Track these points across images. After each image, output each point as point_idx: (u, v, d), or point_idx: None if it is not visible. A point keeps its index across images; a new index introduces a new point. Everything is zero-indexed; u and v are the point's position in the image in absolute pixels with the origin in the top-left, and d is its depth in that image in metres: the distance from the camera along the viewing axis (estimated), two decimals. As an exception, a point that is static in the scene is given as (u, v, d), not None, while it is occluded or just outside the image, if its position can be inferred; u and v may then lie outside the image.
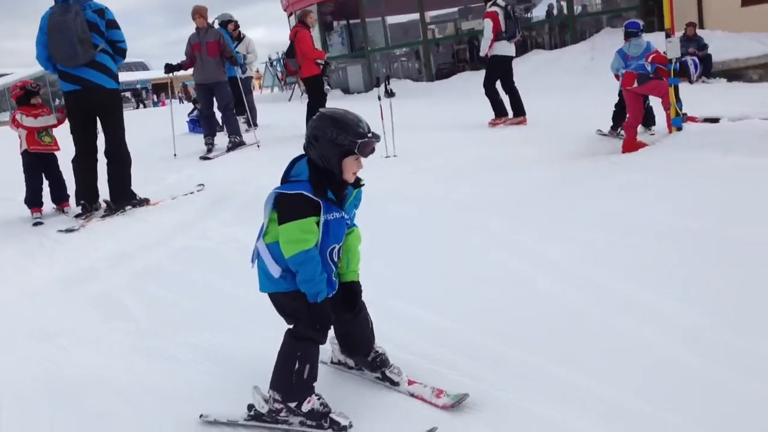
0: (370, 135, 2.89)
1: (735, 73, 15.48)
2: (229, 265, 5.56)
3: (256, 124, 12.15)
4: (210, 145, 11.06)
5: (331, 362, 3.56)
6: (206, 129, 11.25)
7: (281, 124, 13.82)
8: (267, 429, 3.05)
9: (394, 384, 3.26)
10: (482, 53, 11.64)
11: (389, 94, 10.85)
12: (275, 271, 2.95)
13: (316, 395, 3.00)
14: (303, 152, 2.99)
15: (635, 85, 8.30)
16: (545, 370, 3.31)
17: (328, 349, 3.47)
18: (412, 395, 3.19)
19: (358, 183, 3.04)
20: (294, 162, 3.00)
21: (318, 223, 2.87)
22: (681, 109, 8.33)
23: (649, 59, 8.24)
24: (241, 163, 10.19)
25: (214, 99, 11.18)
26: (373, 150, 2.91)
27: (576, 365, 3.33)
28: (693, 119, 8.81)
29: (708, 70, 14.98)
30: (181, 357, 3.93)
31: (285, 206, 2.88)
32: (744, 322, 3.60)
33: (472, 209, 6.47)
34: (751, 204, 5.65)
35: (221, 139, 11.57)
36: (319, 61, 11.36)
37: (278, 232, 2.89)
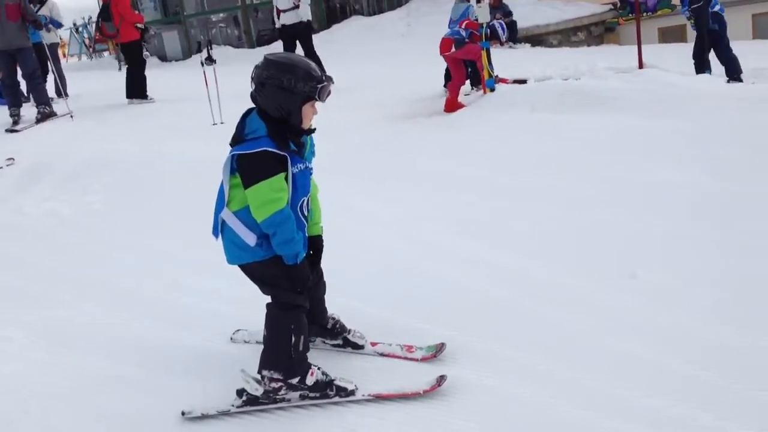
0: (325, 78, 2.73)
1: (537, 39, 16.69)
2: (52, 240, 5.29)
3: (66, 94, 11.35)
4: (15, 117, 10.18)
5: None
6: (10, 100, 10.34)
7: (95, 93, 13.01)
8: (258, 411, 2.85)
9: (358, 347, 3.17)
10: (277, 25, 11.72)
11: (211, 60, 10.58)
12: (251, 239, 2.74)
13: (315, 365, 2.86)
14: (252, 105, 2.80)
15: (453, 50, 8.77)
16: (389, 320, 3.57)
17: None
18: (381, 355, 3.11)
19: (309, 129, 2.85)
20: (244, 118, 2.78)
21: (287, 179, 2.70)
22: (493, 72, 8.93)
23: (463, 26, 8.71)
24: (54, 135, 9.51)
25: (18, 67, 10.27)
26: (329, 93, 2.74)
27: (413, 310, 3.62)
28: (504, 80, 9.49)
29: (514, 35, 16.02)
30: (14, 336, 3.73)
31: (249, 167, 2.66)
32: (569, 263, 4.08)
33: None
34: (557, 154, 6.31)
35: (29, 110, 10.69)
36: (138, 25, 10.82)
37: (244, 198, 2.70)
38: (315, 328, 3.14)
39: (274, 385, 2.79)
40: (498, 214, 5.07)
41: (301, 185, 2.79)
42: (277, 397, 2.81)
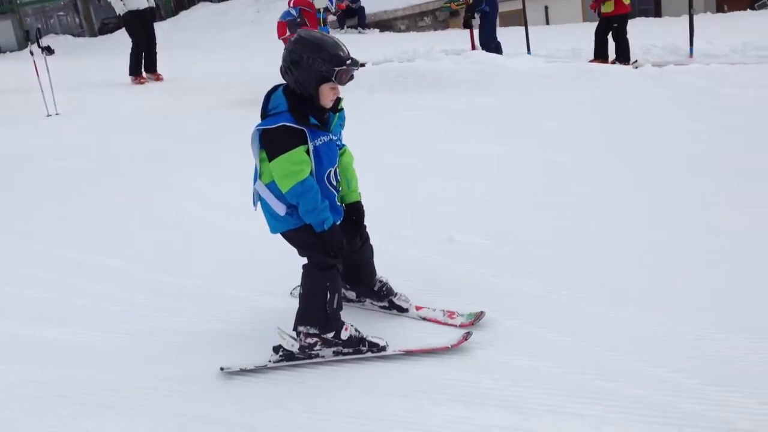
0: (348, 62, 2.73)
1: (386, 24, 17.15)
2: None
3: None
4: None
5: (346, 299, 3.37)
6: None
7: None
8: (292, 366, 2.91)
9: (403, 311, 3.24)
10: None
11: (47, 50, 10.10)
12: (280, 209, 2.84)
13: (348, 322, 2.96)
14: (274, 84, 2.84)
15: (288, 33, 8.89)
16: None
17: None
18: (424, 319, 3.17)
19: (337, 107, 2.89)
20: (269, 95, 2.83)
21: (308, 152, 2.76)
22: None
23: (291, 3, 8.77)
24: None
25: None
26: (351, 77, 2.76)
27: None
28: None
29: (362, 21, 16.40)
30: None
31: (270, 142, 2.75)
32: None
33: (136, 161, 6.54)
34: (392, 132, 6.64)
35: None
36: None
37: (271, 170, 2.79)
38: (363, 289, 3.27)
39: (310, 340, 2.89)
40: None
41: (326, 157, 2.84)
42: (312, 352, 2.91)
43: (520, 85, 7.63)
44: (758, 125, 5.72)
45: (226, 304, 3.53)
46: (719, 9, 17.81)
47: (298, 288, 3.14)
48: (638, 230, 3.91)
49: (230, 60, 13.35)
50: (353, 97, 7.96)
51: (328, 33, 8.65)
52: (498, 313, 3.10)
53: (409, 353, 2.89)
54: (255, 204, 3.00)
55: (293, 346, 2.90)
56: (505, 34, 12.55)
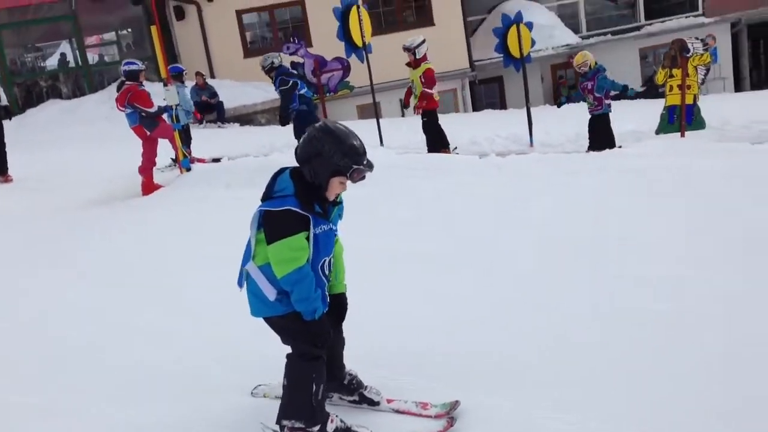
0: (365, 163, 2.74)
1: (246, 118, 17.22)
2: None
3: None
4: None
5: None
6: None
7: None
8: None
9: (374, 404, 3.14)
10: None
11: None
12: (271, 293, 2.79)
13: (333, 413, 2.90)
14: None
15: (148, 133, 8.74)
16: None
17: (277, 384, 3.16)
18: (397, 411, 3.10)
19: (336, 199, 2.86)
20: (275, 177, 2.80)
21: (308, 239, 2.73)
22: (189, 152, 9.05)
23: (123, 104, 8.60)
24: None
25: None
26: (363, 178, 2.76)
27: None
28: (201, 160, 9.65)
29: (221, 115, 16.40)
30: None
31: (273, 224, 2.71)
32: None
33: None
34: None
35: None
36: None
37: (267, 253, 2.73)
38: (332, 384, 3.12)
39: None
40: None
41: (324, 246, 2.83)
42: None
43: (374, 176, 7.81)
44: (591, 208, 6.17)
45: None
46: (556, 101, 19.44)
47: (262, 386, 3.20)
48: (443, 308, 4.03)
49: (83, 157, 12.84)
50: (208, 194, 7.96)
51: (182, 129, 8.74)
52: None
53: None
54: (241, 284, 2.93)
55: None
56: (361, 126, 12.98)
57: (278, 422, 2.87)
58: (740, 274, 4.30)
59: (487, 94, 20.22)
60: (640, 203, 6.12)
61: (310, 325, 2.79)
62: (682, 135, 9.42)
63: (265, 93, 17.77)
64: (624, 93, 9.79)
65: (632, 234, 5.28)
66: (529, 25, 10.53)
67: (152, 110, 8.63)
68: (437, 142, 9.92)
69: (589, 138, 9.84)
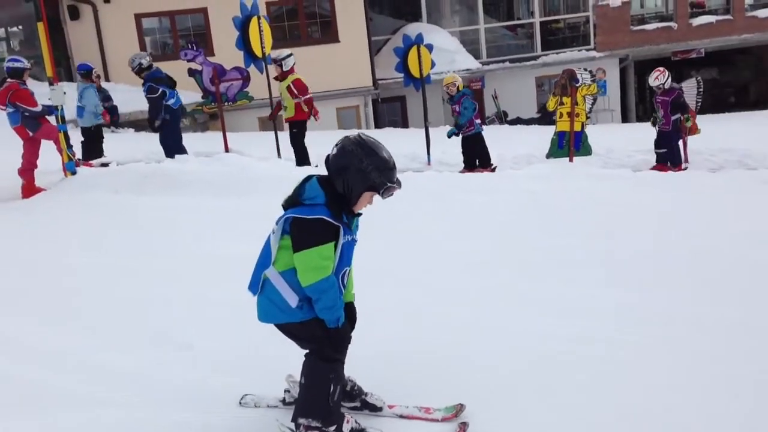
0: (396, 181, 2.77)
1: (141, 124, 16.61)
2: None
3: None
4: None
5: (285, 403, 3.22)
6: None
7: None
8: None
9: (376, 410, 3.14)
10: None
11: None
12: (292, 300, 2.77)
13: (349, 414, 2.95)
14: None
15: (31, 134, 8.29)
16: None
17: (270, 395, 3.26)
18: (401, 417, 3.11)
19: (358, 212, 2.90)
20: (303, 183, 2.78)
21: (335, 248, 2.74)
22: (74, 155, 8.63)
23: (7, 101, 8.15)
24: None
25: None
26: (391, 195, 2.79)
27: None
28: (89, 164, 9.23)
29: (116, 119, 15.77)
30: None
31: (304, 232, 2.70)
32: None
33: None
34: (134, 236, 6.31)
35: None
36: None
37: (291, 259, 2.72)
38: None
39: None
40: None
41: (347, 256, 2.84)
42: None
43: (269, 187, 7.71)
44: (483, 224, 6.33)
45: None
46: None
47: (249, 396, 3.21)
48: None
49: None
50: (94, 198, 7.61)
51: (66, 132, 8.31)
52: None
53: None
54: (255, 290, 2.87)
55: None
56: (260, 138, 12.84)
57: (294, 420, 2.88)
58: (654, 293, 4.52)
59: (390, 112, 20.46)
60: (532, 221, 6.35)
61: (333, 333, 2.82)
62: (571, 160, 9.84)
63: (163, 100, 17.26)
64: (457, 128, 10.20)
65: (524, 252, 5.45)
66: (429, 47, 10.75)
67: (36, 110, 8.19)
68: (305, 156, 9.94)
69: (464, 157, 10.19)
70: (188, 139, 14.63)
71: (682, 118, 9.89)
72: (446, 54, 19.44)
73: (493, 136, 14.69)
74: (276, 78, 9.84)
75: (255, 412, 3.22)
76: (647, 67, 23.76)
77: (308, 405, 2.85)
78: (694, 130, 10.20)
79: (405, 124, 20.04)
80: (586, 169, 9.25)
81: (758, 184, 7.46)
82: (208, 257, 5.60)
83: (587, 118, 10.76)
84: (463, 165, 10.29)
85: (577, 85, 9.65)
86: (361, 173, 2.71)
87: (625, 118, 21.58)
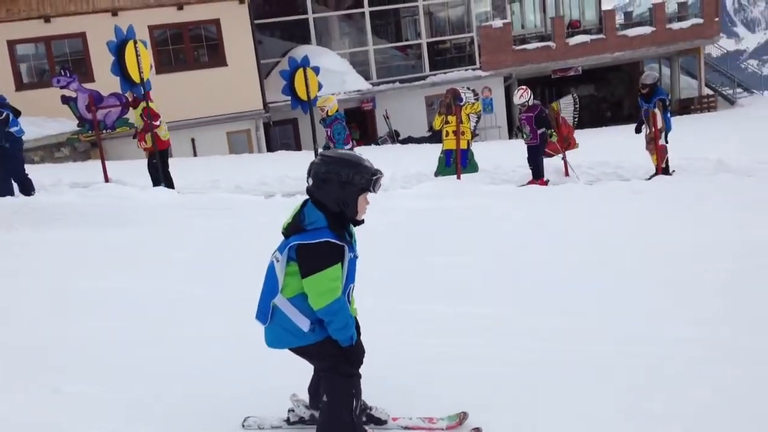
0: (376, 170, 2.80)
1: (17, 155, 15.74)
2: None
3: None
4: None
5: (289, 422, 3.23)
6: None
7: None
8: None
9: (381, 423, 3.17)
10: None
11: None
12: (304, 324, 2.80)
13: (369, 428, 3.00)
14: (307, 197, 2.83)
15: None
16: None
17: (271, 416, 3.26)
18: (405, 429, 3.14)
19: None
20: (302, 209, 2.80)
21: (342, 267, 2.77)
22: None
23: None
24: None
25: None
26: (380, 185, 2.81)
27: None
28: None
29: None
30: None
31: (310, 257, 2.72)
32: None
33: None
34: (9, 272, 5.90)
35: None
36: None
37: (299, 285, 2.76)
38: None
39: None
40: None
41: (351, 273, 2.87)
42: None
43: (151, 216, 7.44)
44: (370, 245, 6.29)
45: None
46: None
47: (252, 418, 3.20)
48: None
49: None
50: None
51: None
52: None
53: None
54: (265, 320, 2.87)
55: None
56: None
57: None
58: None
59: (282, 135, 20.32)
60: (420, 239, 6.39)
61: (347, 351, 2.85)
62: (458, 177, 10.04)
63: (41, 129, 16.43)
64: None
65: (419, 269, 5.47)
66: (316, 69, 10.73)
67: None
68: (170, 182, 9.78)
69: None
70: (67, 169, 14.03)
71: (546, 132, 10.21)
72: (336, 75, 19.56)
73: (385, 156, 14.91)
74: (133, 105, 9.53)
75: None
76: (532, 84, 24.91)
77: (334, 422, 2.89)
78: (572, 144, 10.65)
79: (298, 147, 19.94)
80: (473, 186, 9.47)
81: (629, 194, 7.85)
82: (83, 293, 5.28)
83: (474, 135, 11.03)
84: None
85: (461, 103, 9.88)
86: (345, 184, 2.76)
87: (511, 135, 22.35)
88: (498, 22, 22.54)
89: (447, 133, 10.17)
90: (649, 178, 9.64)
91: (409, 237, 6.62)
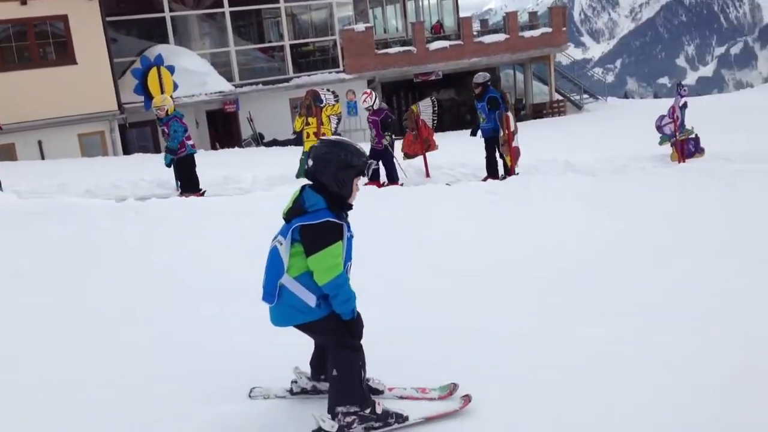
0: (369, 158, 3.09)
1: None
2: None
3: None
4: None
5: (292, 393, 3.43)
6: None
7: None
8: None
9: (378, 393, 3.30)
10: None
11: None
12: (311, 300, 2.99)
13: (375, 398, 3.15)
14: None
15: None
16: None
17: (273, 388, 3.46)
18: (400, 398, 3.31)
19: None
20: (301, 194, 3.02)
21: (342, 245, 2.97)
22: None
23: None
24: None
25: None
26: (369, 171, 3.07)
27: None
28: None
29: None
30: None
31: (314, 236, 2.93)
32: None
33: None
34: None
35: None
36: None
37: (304, 264, 2.96)
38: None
39: (348, 419, 3.01)
40: None
41: (349, 251, 3.07)
42: (350, 430, 3.02)
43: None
44: (228, 250, 6.15)
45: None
46: (213, 147, 19.53)
47: (258, 388, 3.41)
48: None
49: None
50: None
51: None
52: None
53: (429, 419, 3.13)
54: (273, 300, 3.04)
55: (333, 428, 3.01)
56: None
57: (331, 411, 3.04)
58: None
59: (140, 137, 19.42)
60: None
61: (350, 323, 3.02)
62: (320, 179, 9.99)
63: None
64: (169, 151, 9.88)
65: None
66: (171, 69, 10.37)
67: None
68: None
69: (180, 179, 9.94)
70: None
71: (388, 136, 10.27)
72: (197, 76, 19.01)
73: (249, 158, 14.68)
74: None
75: (266, 403, 3.37)
76: (395, 88, 25.41)
77: (344, 393, 3.04)
78: (432, 146, 10.93)
79: (157, 150, 19.16)
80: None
81: (485, 194, 8.16)
82: None
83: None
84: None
85: (321, 105, 9.87)
86: (345, 164, 2.99)
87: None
88: (360, 26, 22.80)
89: (308, 135, 10.11)
90: (503, 178, 10.06)
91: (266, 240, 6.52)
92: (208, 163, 12.73)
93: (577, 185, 9.17)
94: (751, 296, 4.69)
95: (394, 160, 10.43)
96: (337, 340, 3.07)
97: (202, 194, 9.64)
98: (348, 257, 3.09)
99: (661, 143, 11.58)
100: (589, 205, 7.77)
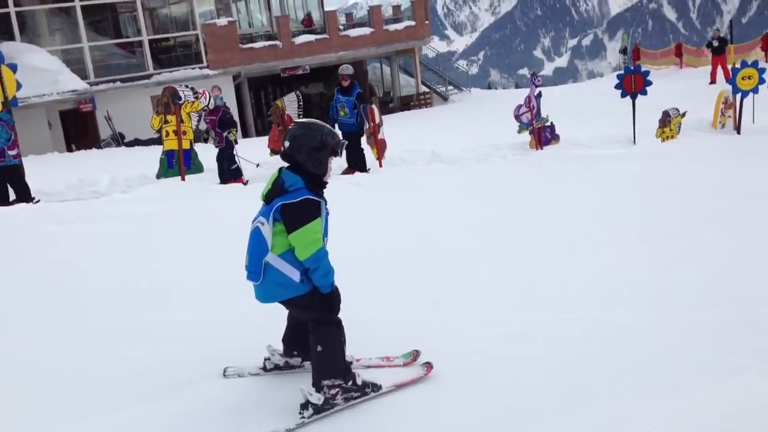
0: (341, 138, 3.33)
1: None
2: None
3: None
4: None
5: (266, 370, 3.59)
6: None
7: None
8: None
9: (348, 364, 3.36)
10: None
11: None
12: (296, 276, 3.13)
13: (355, 371, 3.32)
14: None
15: None
16: None
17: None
18: (368, 367, 3.51)
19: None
20: (280, 175, 3.18)
21: (321, 221, 3.15)
22: None
23: None
24: None
25: None
26: (342, 150, 3.31)
27: None
28: None
29: None
30: None
31: (295, 214, 3.09)
32: None
33: None
34: None
35: None
36: None
37: (286, 242, 3.11)
38: (307, 353, 3.38)
39: (333, 391, 3.18)
40: None
41: (326, 227, 3.25)
42: (334, 402, 3.19)
43: None
44: (84, 257, 5.81)
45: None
46: (69, 149, 18.39)
47: (230, 368, 3.55)
48: None
49: None
50: None
51: None
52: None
53: (399, 386, 3.34)
54: (258, 278, 3.17)
55: (319, 400, 3.13)
56: None
57: (316, 384, 3.17)
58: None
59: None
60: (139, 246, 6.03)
61: (331, 296, 3.19)
62: (183, 178, 9.67)
63: None
64: None
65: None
66: (13, 67, 9.61)
67: None
68: None
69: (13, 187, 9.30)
70: None
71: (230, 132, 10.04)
72: (47, 74, 17.80)
73: (106, 160, 13.94)
74: None
75: (240, 381, 3.53)
76: (262, 83, 24.99)
77: (329, 367, 3.18)
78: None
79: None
80: (199, 187, 9.19)
81: (352, 186, 8.18)
82: None
83: (194, 135, 10.62)
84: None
85: (180, 102, 9.52)
86: (321, 144, 3.15)
87: (245, 134, 22.21)
88: (223, 21, 22.20)
89: (167, 133, 9.73)
90: (368, 170, 10.11)
91: (127, 244, 6.22)
92: (63, 167, 12.03)
93: (443, 174, 9.41)
94: (605, 270, 4.99)
95: (236, 155, 10.15)
96: (319, 315, 3.23)
97: (37, 202, 8.94)
98: (325, 233, 3.24)
99: (519, 131, 12.08)
100: (456, 193, 7.98)
